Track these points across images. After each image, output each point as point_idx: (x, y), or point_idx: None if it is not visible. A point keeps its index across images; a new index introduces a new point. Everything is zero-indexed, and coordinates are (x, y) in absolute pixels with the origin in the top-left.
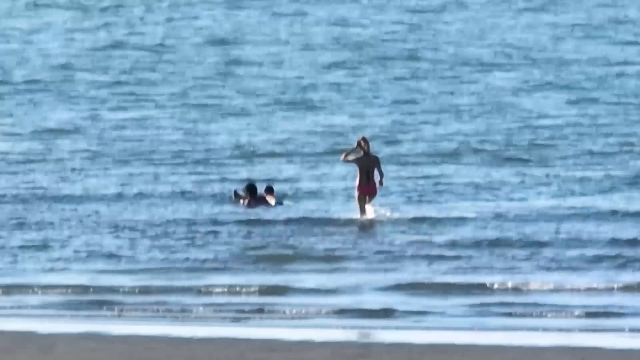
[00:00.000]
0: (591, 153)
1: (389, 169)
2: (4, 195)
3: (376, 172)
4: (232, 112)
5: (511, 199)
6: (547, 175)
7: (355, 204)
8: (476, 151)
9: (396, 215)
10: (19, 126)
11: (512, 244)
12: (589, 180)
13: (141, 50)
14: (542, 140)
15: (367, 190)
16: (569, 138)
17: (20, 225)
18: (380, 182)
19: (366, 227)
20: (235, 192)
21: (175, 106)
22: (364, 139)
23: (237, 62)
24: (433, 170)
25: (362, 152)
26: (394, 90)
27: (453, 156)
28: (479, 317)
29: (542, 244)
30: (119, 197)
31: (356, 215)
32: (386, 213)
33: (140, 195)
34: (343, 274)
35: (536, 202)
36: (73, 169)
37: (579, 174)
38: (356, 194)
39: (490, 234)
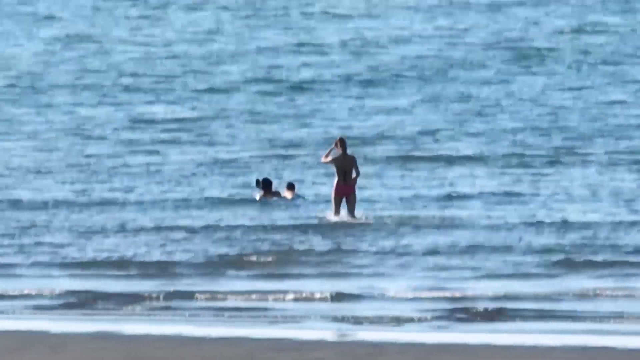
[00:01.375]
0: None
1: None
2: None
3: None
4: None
5: (523, 205)
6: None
7: (331, 204)
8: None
9: (382, 217)
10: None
11: (521, 248)
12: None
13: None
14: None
15: (344, 190)
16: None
17: (30, 229)
18: (355, 179)
19: (345, 228)
20: (257, 181)
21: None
22: (341, 139)
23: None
24: (442, 173)
25: (340, 153)
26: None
27: (466, 160)
28: (489, 320)
29: (550, 249)
30: (131, 201)
31: (331, 215)
32: (367, 217)
33: (150, 198)
34: (345, 278)
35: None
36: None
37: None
38: (333, 194)
39: (499, 238)
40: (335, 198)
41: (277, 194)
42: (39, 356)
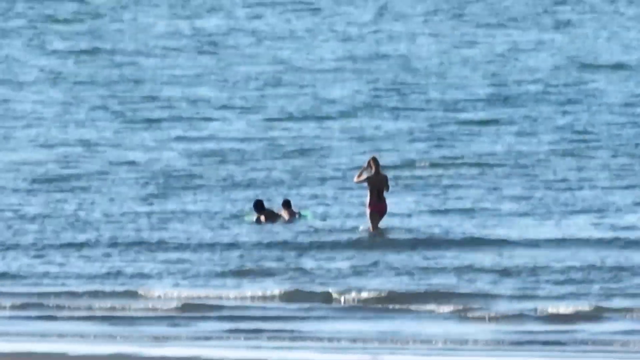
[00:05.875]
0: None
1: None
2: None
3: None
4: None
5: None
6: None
7: (367, 221)
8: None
9: (404, 230)
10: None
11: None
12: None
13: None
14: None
15: (378, 208)
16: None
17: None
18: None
19: (380, 241)
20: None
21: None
22: (374, 159)
23: None
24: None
25: (373, 172)
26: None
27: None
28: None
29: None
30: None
31: (369, 230)
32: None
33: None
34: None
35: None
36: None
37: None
38: (367, 211)
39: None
40: (371, 214)
41: (277, 215)
42: None
